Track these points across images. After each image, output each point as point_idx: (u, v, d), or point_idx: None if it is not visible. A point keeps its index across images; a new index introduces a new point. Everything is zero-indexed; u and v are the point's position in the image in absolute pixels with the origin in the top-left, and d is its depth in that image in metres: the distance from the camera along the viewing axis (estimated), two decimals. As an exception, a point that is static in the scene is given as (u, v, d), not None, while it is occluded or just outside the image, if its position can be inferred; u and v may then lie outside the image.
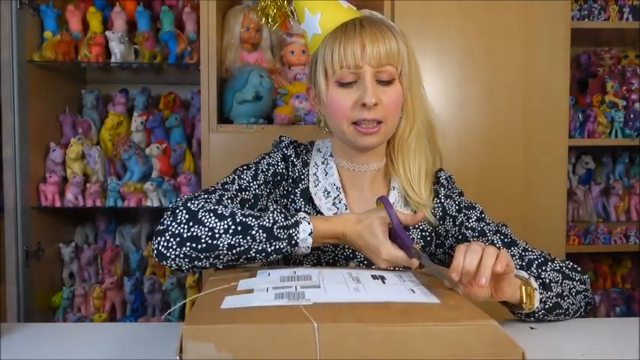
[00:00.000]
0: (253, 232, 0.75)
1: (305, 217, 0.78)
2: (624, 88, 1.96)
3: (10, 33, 1.66)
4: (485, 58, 1.68)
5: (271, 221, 0.76)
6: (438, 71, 1.68)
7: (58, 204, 1.80)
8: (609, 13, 1.89)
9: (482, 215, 0.95)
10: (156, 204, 1.83)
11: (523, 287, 0.80)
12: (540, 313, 0.82)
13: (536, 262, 0.88)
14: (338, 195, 0.92)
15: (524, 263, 0.88)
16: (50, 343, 0.81)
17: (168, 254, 0.74)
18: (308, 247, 0.78)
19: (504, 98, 1.68)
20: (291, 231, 0.76)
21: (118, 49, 1.80)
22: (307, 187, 0.94)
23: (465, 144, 1.68)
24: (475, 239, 0.92)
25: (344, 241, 0.80)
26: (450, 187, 0.99)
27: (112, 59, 1.81)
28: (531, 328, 0.83)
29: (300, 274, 0.70)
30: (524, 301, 0.80)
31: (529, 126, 1.68)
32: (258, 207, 0.89)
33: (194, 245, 0.74)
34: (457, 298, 0.64)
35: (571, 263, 0.91)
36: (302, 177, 0.95)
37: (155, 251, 0.75)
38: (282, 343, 0.50)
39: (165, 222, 0.76)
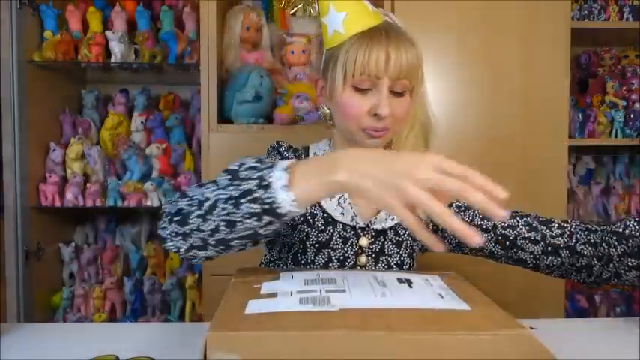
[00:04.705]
0: (219, 179, 0.67)
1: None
2: (624, 88, 1.96)
3: (10, 33, 1.66)
4: (485, 58, 1.68)
5: (238, 165, 0.66)
6: (438, 71, 1.68)
7: (58, 204, 1.80)
8: (609, 13, 1.89)
9: None
10: (156, 204, 1.83)
11: None
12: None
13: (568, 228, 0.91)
14: (342, 195, 0.93)
15: (566, 232, 0.90)
16: (50, 343, 0.81)
17: (165, 235, 0.71)
18: (286, 189, 0.61)
19: (504, 98, 1.68)
20: (262, 172, 0.63)
21: (118, 49, 1.80)
22: None
23: (464, 144, 1.67)
24: (463, 213, 0.96)
25: (338, 172, 0.60)
26: None
27: (112, 59, 1.81)
28: (531, 328, 0.83)
29: (324, 277, 0.69)
30: None
31: (529, 126, 1.68)
32: None
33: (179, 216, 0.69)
34: (487, 304, 0.62)
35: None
36: None
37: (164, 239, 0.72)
38: (310, 351, 0.49)
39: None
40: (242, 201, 0.62)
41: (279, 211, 0.61)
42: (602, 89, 1.99)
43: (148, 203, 1.83)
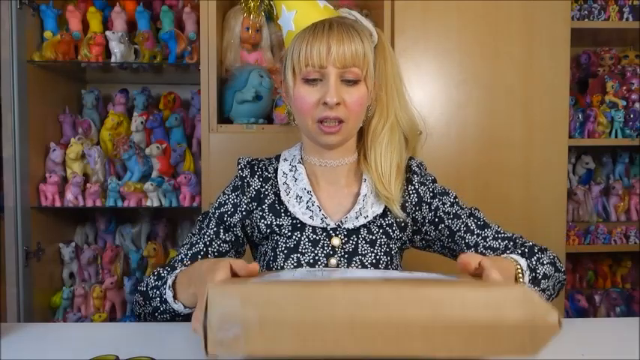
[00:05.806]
0: (137, 298, 0.89)
1: (175, 274, 0.82)
2: (624, 88, 1.96)
3: (10, 33, 1.66)
4: (485, 59, 1.68)
5: (145, 285, 0.88)
6: (438, 71, 1.68)
7: (58, 204, 1.80)
8: (609, 13, 1.89)
9: (456, 200, 1.00)
10: (156, 204, 1.83)
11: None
12: None
13: (537, 249, 0.90)
14: (310, 198, 0.93)
15: (526, 250, 0.89)
16: (50, 343, 0.81)
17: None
18: (175, 301, 0.80)
19: (504, 98, 1.68)
20: (160, 289, 0.84)
21: (118, 49, 1.80)
22: (275, 201, 0.95)
23: (465, 144, 1.67)
24: (450, 222, 0.96)
25: (194, 283, 0.75)
26: (422, 174, 1.01)
27: (112, 59, 1.81)
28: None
29: (325, 270, 0.73)
30: None
31: (529, 126, 1.68)
32: (212, 250, 0.95)
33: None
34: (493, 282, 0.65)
35: (550, 251, 0.92)
36: (266, 193, 0.96)
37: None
38: (309, 302, 0.50)
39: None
40: (156, 314, 0.85)
41: (181, 313, 0.81)
42: (602, 89, 1.99)
43: (148, 203, 1.83)
